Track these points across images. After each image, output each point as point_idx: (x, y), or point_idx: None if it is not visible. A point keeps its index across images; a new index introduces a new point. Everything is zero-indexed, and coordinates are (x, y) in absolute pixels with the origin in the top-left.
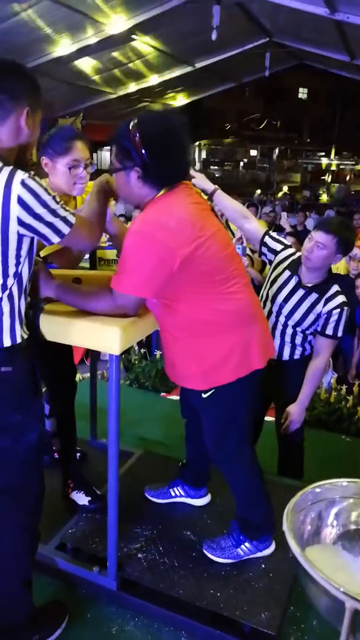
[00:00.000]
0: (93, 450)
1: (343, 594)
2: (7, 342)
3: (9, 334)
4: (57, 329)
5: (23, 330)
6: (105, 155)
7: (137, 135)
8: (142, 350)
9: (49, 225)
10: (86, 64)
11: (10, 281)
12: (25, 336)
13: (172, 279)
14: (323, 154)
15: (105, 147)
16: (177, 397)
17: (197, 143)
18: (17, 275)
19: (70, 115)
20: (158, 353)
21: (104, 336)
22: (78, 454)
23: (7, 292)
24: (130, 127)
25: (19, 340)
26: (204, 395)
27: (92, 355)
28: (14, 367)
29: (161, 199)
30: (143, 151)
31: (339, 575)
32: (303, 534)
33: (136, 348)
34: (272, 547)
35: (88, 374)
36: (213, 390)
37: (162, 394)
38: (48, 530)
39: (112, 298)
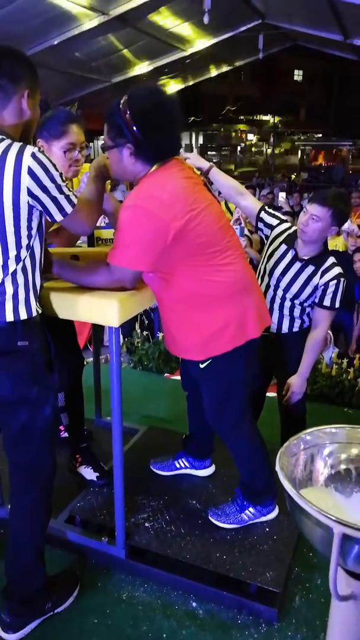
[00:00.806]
0: (98, 429)
1: (330, 520)
2: (23, 315)
3: (25, 307)
4: (57, 304)
5: (38, 305)
6: None
7: (128, 112)
8: (145, 333)
9: (54, 200)
10: (80, 52)
11: (24, 253)
12: (40, 311)
13: (167, 251)
14: (320, 135)
15: (101, 137)
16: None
17: (193, 129)
18: (30, 249)
19: (65, 105)
20: (160, 335)
21: (103, 309)
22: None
23: (21, 264)
24: (121, 105)
25: (34, 314)
26: (201, 366)
27: (95, 340)
28: (30, 341)
29: (154, 174)
30: (134, 127)
31: (331, 512)
32: (296, 477)
33: (138, 331)
34: (276, 512)
35: (91, 359)
36: (210, 360)
37: (166, 374)
38: (57, 505)
39: (109, 272)
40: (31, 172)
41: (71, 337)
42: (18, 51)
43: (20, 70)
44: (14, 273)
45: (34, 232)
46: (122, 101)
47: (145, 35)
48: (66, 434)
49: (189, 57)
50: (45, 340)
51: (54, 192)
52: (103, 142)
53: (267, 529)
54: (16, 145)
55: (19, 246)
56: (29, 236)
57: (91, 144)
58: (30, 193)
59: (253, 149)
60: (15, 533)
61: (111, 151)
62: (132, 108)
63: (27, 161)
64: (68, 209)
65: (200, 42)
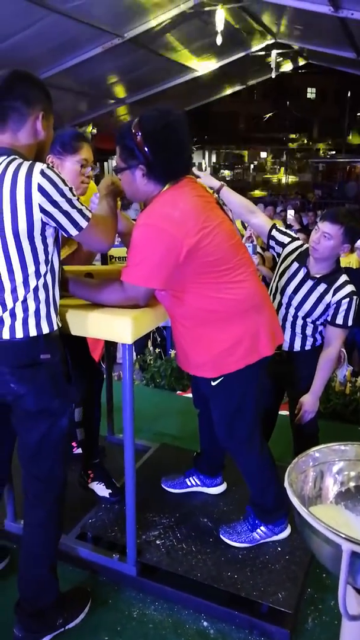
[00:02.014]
0: (110, 446)
1: (339, 537)
2: (45, 330)
3: (47, 322)
4: (70, 321)
5: (58, 319)
6: None
7: (139, 134)
8: (157, 350)
9: (66, 214)
10: (94, 73)
11: (43, 268)
12: (60, 325)
13: (180, 269)
14: (334, 152)
15: (115, 156)
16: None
17: (205, 147)
18: (49, 263)
19: (80, 126)
20: (173, 352)
21: (116, 326)
22: None
23: (42, 280)
24: (132, 127)
25: (55, 327)
26: (213, 383)
27: (107, 357)
28: (51, 354)
29: (166, 193)
30: (146, 149)
31: (342, 530)
32: (305, 494)
33: (151, 348)
34: (288, 531)
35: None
36: (222, 377)
37: (178, 392)
38: (68, 521)
39: (122, 290)
40: (41, 189)
41: (84, 350)
42: (32, 75)
43: (34, 93)
44: (36, 289)
45: (50, 248)
46: (133, 124)
47: (158, 57)
48: (79, 450)
49: (202, 77)
50: (64, 352)
51: (65, 207)
52: (115, 163)
53: (279, 548)
54: (26, 164)
55: (37, 262)
56: (46, 252)
57: (105, 163)
58: (42, 209)
59: (266, 167)
60: (29, 545)
61: (124, 173)
62: (143, 130)
63: (37, 178)
64: (83, 223)
65: (213, 62)
